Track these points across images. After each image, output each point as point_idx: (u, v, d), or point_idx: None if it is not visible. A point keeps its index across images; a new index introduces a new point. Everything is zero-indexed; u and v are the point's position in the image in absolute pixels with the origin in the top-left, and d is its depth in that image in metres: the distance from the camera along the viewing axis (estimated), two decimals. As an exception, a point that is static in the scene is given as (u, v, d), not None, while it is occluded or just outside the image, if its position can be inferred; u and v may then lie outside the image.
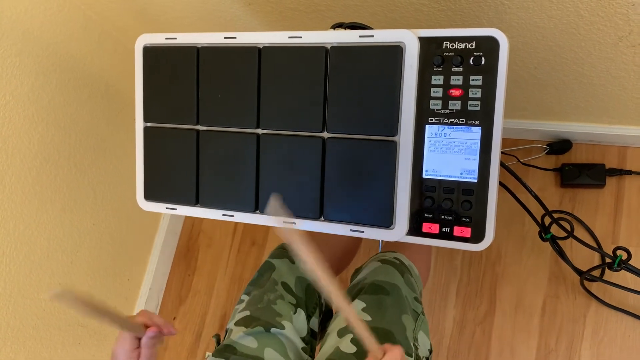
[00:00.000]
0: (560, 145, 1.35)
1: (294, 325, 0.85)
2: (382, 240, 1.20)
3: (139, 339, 0.69)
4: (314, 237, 1.01)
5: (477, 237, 0.70)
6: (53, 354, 1.26)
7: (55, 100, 1.17)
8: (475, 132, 0.69)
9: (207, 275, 1.65)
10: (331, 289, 0.59)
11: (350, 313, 0.60)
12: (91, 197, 1.33)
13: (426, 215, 0.72)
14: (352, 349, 0.77)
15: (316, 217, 0.76)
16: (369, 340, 0.60)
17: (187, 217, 1.73)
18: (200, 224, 1.71)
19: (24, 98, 1.10)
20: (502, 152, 0.75)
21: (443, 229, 0.71)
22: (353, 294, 0.88)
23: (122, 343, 0.69)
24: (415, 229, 0.72)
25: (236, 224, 1.67)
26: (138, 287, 1.58)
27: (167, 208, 0.86)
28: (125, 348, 0.68)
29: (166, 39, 0.82)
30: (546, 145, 1.36)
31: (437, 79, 0.69)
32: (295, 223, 0.75)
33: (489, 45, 0.67)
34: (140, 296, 1.58)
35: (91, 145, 1.30)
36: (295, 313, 0.87)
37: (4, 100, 1.05)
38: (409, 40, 0.69)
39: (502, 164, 0.78)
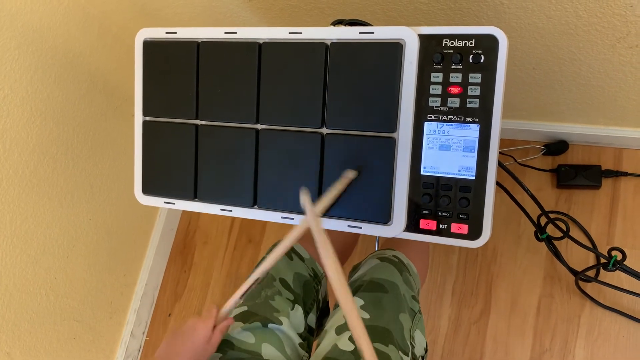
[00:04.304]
0: (556, 146, 1.35)
1: (291, 321, 0.85)
2: (379, 237, 1.20)
3: (214, 325, 0.74)
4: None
5: (475, 234, 0.70)
6: (48, 348, 1.26)
7: (53, 94, 1.17)
8: (474, 130, 0.69)
9: (203, 272, 1.65)
10: (340, 286, 0.59)
11: (353, 314, 0.60)
12: (88, 192, 1.33)
13: (424, 211, 0.72)
14: (350, 346, 0.77)
15: (314, 213, 0.76)
16: (367, 346, 0.58)
17: (183, 214, 1.73)
18: (197, 221, 1.71)
19: (23, 92, 1.10)
20: (500, 152, 0.75)
21: (440, 226, 0.71)
22: (352, 290, 0.88)
23: (207, 320, 0.74)
24: (412, 226, 0.73)
25: (233, 221, 1.67)
26: (134, 283, 1.58)
27: (165, 202, 0.86)
28: (208, 326, 0.73)
29: (166, 33, 0.82)
30: (543, 146, 1.37)
31: (437, 77, 0.70)
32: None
33: (489, 44, 0.67)
34: (136, 292, 1.58)
35: (89, 140, 1.30)
36: (292, 309, 0.87)
37: (3, 94, 1.05)
38: (409, 37, 0.70)
39: (499, 164, 0.78)
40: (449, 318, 1.36)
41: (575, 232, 1.29)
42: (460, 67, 0.68)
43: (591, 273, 1.25)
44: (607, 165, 1.32)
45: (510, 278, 1.34)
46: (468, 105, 0.69)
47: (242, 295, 0.76)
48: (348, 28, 0.74)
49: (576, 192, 1.34)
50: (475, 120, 0.69)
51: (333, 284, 0.61)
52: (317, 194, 0.76)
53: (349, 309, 0.60)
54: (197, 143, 0.82)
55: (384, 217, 0.73)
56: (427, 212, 0.72)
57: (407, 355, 0.78)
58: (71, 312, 1.33)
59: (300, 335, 0.86)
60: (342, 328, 0.81)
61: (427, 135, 0.71)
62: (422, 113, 0.71)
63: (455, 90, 0.69)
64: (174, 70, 0.82)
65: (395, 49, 0.70)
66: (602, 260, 1.12)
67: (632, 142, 1.28)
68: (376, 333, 0.78)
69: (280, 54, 0.76)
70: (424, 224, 0.72)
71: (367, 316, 0.81)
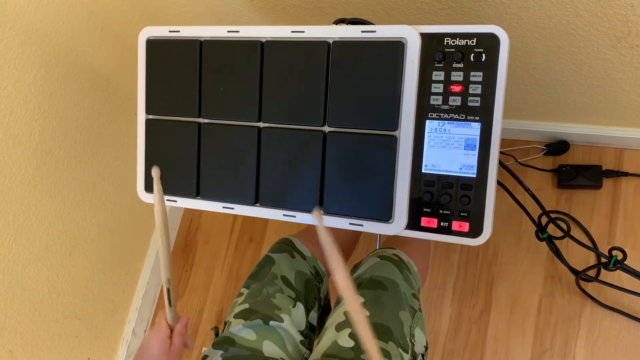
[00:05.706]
0: (557, 146, 1.35)
1: (293, 319, 0.86)
2: (380, 235, 1.20)
3: (171, 330, 0.73)
4: (314, 231, 1.02)
5: (475, 231, 0.70)
6: (50, 346, 1.27)
7: (56, 92, 1.18)
8: (475, 128, 0.69)
9: (204, 271, 1.65)
10: (344, 284, 0.59)
11: (357, 311, 0.60)
12: (91, 190, 1.33)
13: (425, 209, 0.72)
14: (349, 343, 0.77)
15: (316, 211, 0.77)
16: (370, 343, 0.58)
17: (185, 213, 1.74)
18: (199, 219, 1.72)
19: (26, 90, 1.10)
20: (501, 152, 0.75)
21: (441, 224, 0.72)
22: (351, 288, 0.89)
23: (157, 330, 0.73)
24: (414, 223, 0.73)
25: (234, 220, 1.67)
26: (136, 282, 1.58)
27: (167, 200, 0.86)
28: (160, 335, 0.72)
29: (169, 32, 0.83)
30: (544, 146, 1.37)
31: (438, 75, 0.70)
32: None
33: (490, 42, 0.68)
34: (137, 290, 1.59)
35: (91, 138, 1.31)
36: (294, 307, 0.87)
37: (6, 92, 1.06)
38: (411, 36, 0.70)
39: (500, 163, 0.79)
40: (449, 317, 1.37)
41: (576, 232, 1.29)
42: (462, 65, 0.69)
43: (592, 273, 1.25)
44: (608, 165, 1.32)
45: (511, 277, 1.34)
46: (469, 104, 0.69)
47: (169, 300, 0.74)
48: (350, 27, 0.74)
49: (577, 192, 1.34)
50: (477, 118, 0.69)
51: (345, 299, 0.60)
52: (319, 192, 0.76)
53: (358, 316, 0.59)
54: (200, 141, 0.82)
55: (386, 215, 0.73)
56: (428, 209, 0.72)
57: (407, 352, 0.78)
58: (73, 310, 1.33)
59: (301, 332, 0.86)
60: (343, 325, 0.81)
61: (428, 134, 0.71)
62: (424, 111, 0.71)
63: (456, 88, 0.69)
64: (177, 69, 0.82)
65: (397, 47, 0.70)
66: (603, 260, 1.12)
67: (632, 142, 1.29)
68: (376, 330, 0.78)
69: (282, 52, 0.76)
70: (425, 221, 0.73)
71: (366, 313, 0.81)
